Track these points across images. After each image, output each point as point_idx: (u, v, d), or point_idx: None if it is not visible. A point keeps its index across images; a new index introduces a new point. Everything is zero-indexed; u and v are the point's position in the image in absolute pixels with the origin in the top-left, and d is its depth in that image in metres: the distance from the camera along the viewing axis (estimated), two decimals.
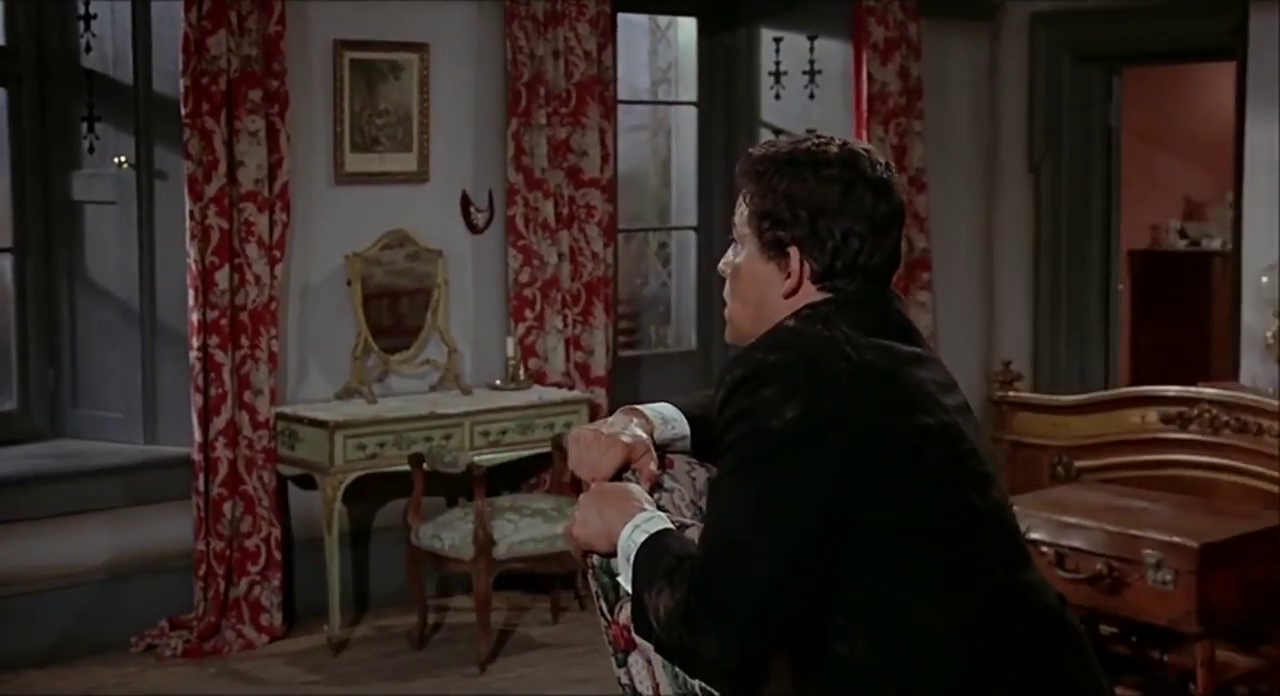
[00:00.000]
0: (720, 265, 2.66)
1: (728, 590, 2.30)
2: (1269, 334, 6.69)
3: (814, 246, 2.50)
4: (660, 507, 2.53)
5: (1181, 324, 9.78)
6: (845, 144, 2.54)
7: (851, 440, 2.33)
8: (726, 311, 2.63)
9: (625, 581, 2.47)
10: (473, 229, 6.77)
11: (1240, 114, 7.31)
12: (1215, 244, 10.04)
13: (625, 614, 2.49)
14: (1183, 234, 10.30)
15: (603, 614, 2.54)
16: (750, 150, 2.60)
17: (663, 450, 2.62)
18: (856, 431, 2.34)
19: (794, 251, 2.51)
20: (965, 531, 2.41)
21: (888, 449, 2.35)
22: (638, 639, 2.49)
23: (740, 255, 2.58)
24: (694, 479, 2.60)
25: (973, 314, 8.39)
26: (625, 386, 7.34)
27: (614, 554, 2.49)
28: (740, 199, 2.58)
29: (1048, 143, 8.33)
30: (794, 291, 2.53)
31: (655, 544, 2.43)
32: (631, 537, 2.46)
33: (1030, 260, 8.45)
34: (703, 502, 2.58)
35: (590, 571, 2.55)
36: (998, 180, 8.45)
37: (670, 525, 2.47)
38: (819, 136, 2.57)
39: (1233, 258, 7.66)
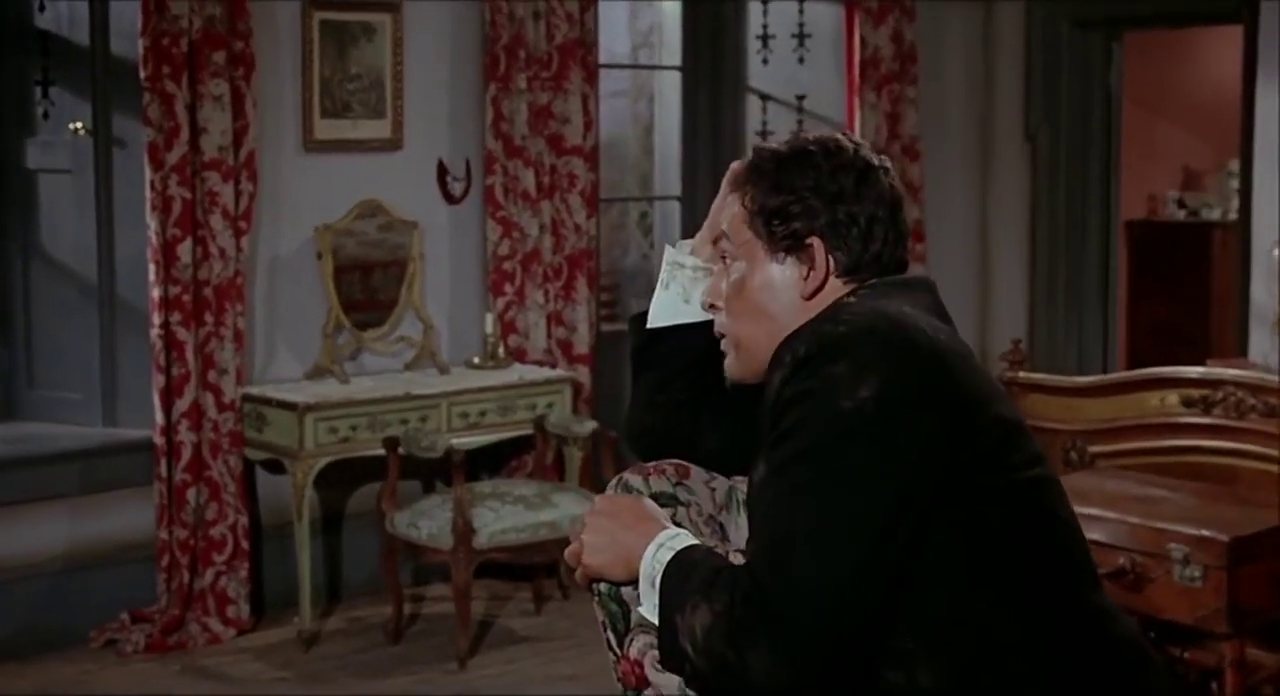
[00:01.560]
0: (706, 299, 2.38)
1: (786, 594, 1.99)
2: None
3: (837, 236, 2.27)
4: (676, 524, 2.23)
5: (1180, 298, 9.52)
6: (835, 134, 2.36)
7: (936, 423, 2.06)
8: (730, 343, 2.35)
9: (649, 611, 2.17)
10: (449, 199, 6.53)
11: (1248, 80, 7.08)
12: (1215, 214, 9.80)
13: (637, 647, 2.18)
14: (1181, 204, 10.05)
15: (611, 648, 2.22)
16: (736, 162, 2.39)
17: None
18: (941, 414, 2.06)
19: (816, 243, 2.27)
20: (1049, 540, 2.13)
21: (974, 437, 2.08)
22: (652, 676, 2.17)
23: (737, 271, 2.32)
24: (713, 491, 2.30)
25: (968, 287, 8.14)
26: (608, 364, 7.07)
27: (631, 581, 2.19)
28: (727, 213, 2.34)
29: (1045, 110, 8.13)
30: (818, 289, 2.27)
31: (684, 560, 2.14)
32: (656, 558, 2.16)
33: (1026, 231, 8.24)
34: (723, 517, 2.29)
35: (596, 599, 2.24)
36: (993, 148, 8.24)
37: (698, 541, 2.18)
38: (803, 133, 2.38)
39: (1239, 229, 7.45)
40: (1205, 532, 4.33)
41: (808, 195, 2.27)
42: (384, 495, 5.79)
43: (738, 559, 2.13)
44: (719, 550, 2.18)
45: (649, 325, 2.51)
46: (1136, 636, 2.19)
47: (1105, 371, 8.09)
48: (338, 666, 5.61)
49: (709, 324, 2.39)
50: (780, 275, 2.28)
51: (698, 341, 2.43)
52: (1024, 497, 2.12)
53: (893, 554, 2.02)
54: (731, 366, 2.35)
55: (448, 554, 5.55)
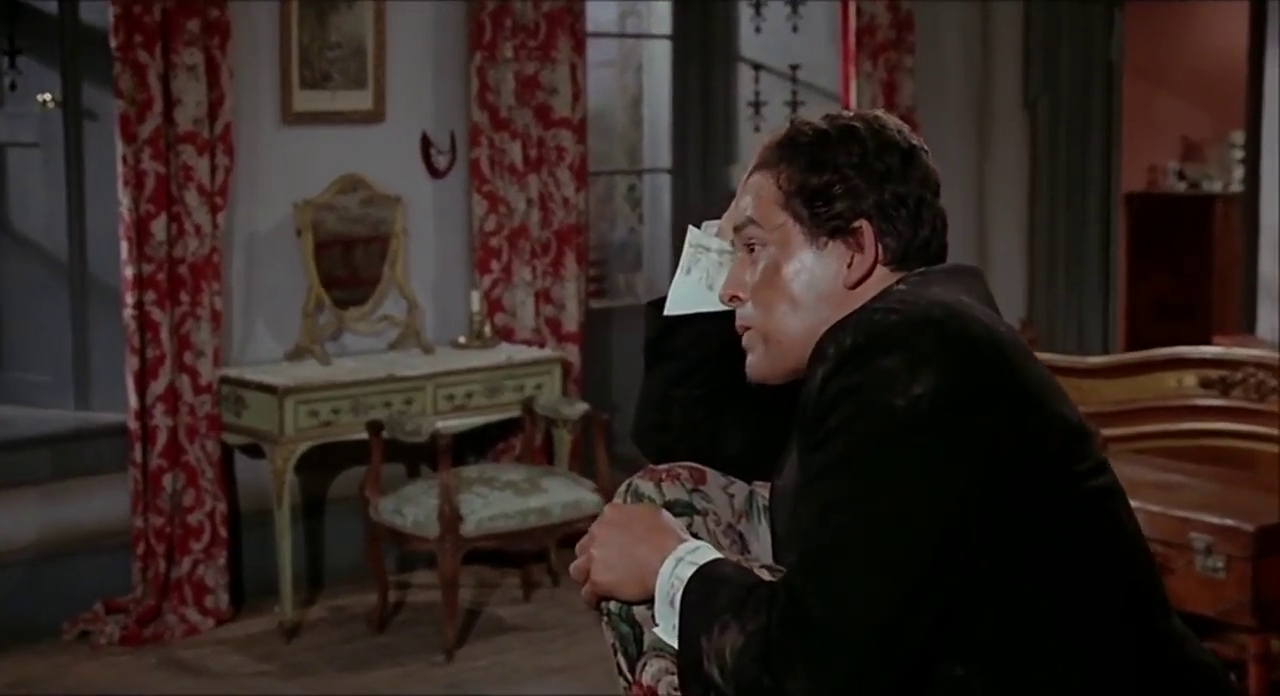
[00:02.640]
0: (727, 292, 2.16)
1: (829, 615, 1.78)
2: None
3: (886, 219, 2.07)
4: (692, 535, 2.02)
5: (1181, 272, 9.34)
6: (874, 111, 2.17)
7: (998, 424, 1.85)
8: (756, 338, 2.13)
9: (666, 633, 1.96)
10: (433, 173, 6.35)
11: (1255, 50, 6.90)
12: (1216, 186, 9.62)
13: (650, 672, 1.96)
14: (1181, 175, 9.86)
15: (622, 673, 2.00)
16: (775, 134, 2.17)
17: None
18: (1003, 414, 1.85)
19: (865, 226, 2.06)
20: (1118, 558, 1.93)
21: (1038, 441, 1.88)
22: None
23: (766, 258, 2.11)
24: (732, 497, 2.10)
25: (965, 261, 7.96)
26: (597, 343, 6.88)
27: (645, 600, 1.99)
28: (750, 196, 2.13)
29: (1045, 79, 7.94)
30: (864, 278, 2.06)
31: (709, 576, 1.92)
32: (675, 574, 1.95)
33: (1025, 204, 8.08)
34: (743, 527, 2.08)
35: (605, 619, 2.03)
36: (991, 118, 8.05)
37: (720, 554, 1.98)
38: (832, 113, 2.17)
39: (1243, 202, 7.27)
40: (1229, 522, 4.17)
41: (852, 174, 2.06)
42: (367, 481, 5.61)
43: (765, 575, 1.92)
44: (744, 564, 1.97)
45: (667, 312, 2.29)
46: (1211, 662, 1.99)
47: (1106, 348, 7.93)
48: (320, 658, 5.43)
49: (734, 312, 2.18)
50: (819, 262, 2.08)
51: (721, 331, 2.21)
52: (1091, 509, 1.93)
53: (948, 571, 1.82)
54: (758, 364, 2.14)
55: (434, 542, 5.37)
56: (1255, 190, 6.88)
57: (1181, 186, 9.86)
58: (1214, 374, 4.78)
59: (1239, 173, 9.01)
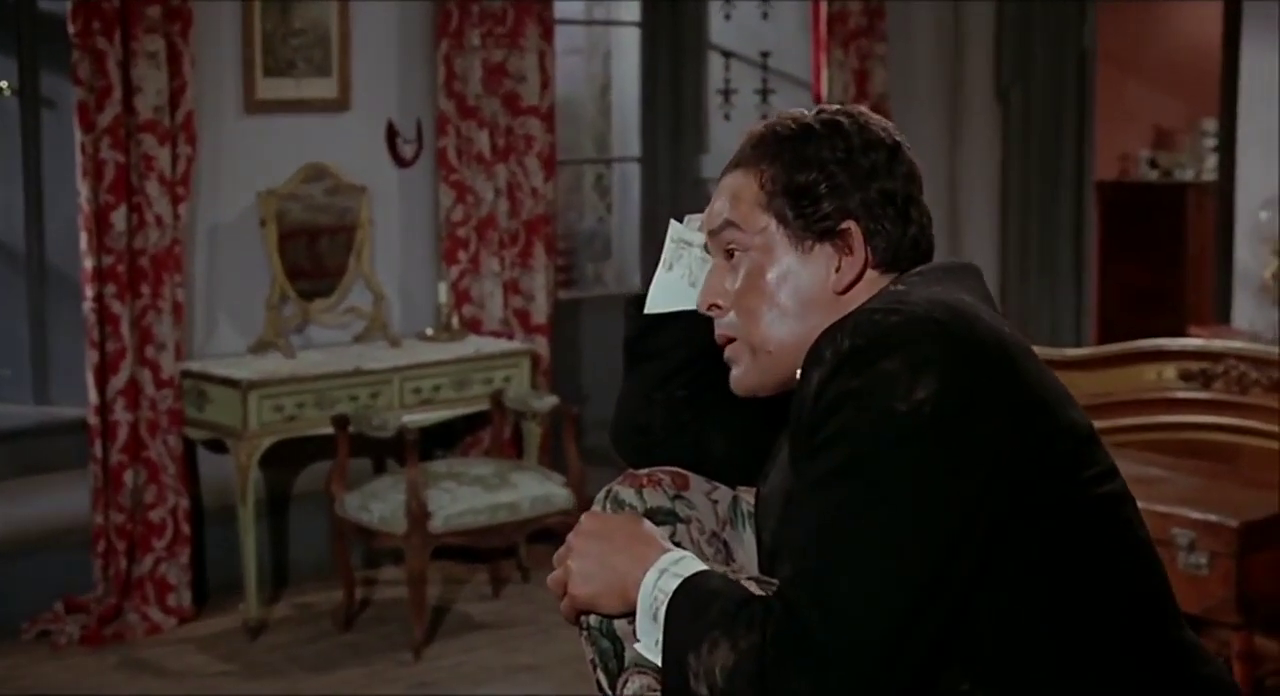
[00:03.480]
0: (706, 301, 2.06)
1: (828, 630, 1.69)
2: (1268, 274, 6.21)
3: (873, 218, 1.97)
4: (675, 544, 1.93)
5: (1153, 262, 9.28)
6: (856, 106, 2.07)
7: (1004, 429, 1.76)
8: (742, 349, 2.03)
9: (649, 649, 1.86)
10: (399, 162, 6.27)
11: (1230, 37, 6.84)
12: (1188, 174, 9.56)
13: (632, 689, 1.87)
14: (1153, 164, 9.80)
15: (601, 690, 1.90)
16: (753, 130, 2.06)
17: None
18: (1010, 418, 1.77)
19: (853, 227, 1.96)
20: (1131, 567, 1.86)
21: (1046, 445, 1.79)
22: None
23: (747, 263, 2.00)
24: (715, 503, 2.00)
25: (936, 252, 7.88)
26: (566, 334, 6.80)
27: (627, 613, 1.89)
28: (731, 193, 2.02)
29: (1017, 67, 7.85)
30: (854, 281, 1.97)
31: (695, 589, 1.83)
32: (659, 586, 1.85)
33: (997, 193, 8.00)
34: (727, 535, 1.98)
35: (584, 634, 1.93)
36: (964, 107, 7.97)
37: (705, 565, 1.88)
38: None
39: (1218, 191, 7.21)
40: (1213, 517, 4.09)
41: (837, 171, 1.97)
42: (333, 476, 5.52)
43: (753, 587, 1.83)
44: (731, 575, 1.87)
45: (648, 310, 2.18)
46: (1225, 677, 1.91)
47: (1079, 338, 7.87)
48: (285, 657, 5.33)
49: None
50: (805, 266, 1.98)
51: (705, 330, 2.10)
52: (1101, 517, 1.84)
53: (953, 583, 1.73)
54: (745, 377, 2.04)
55: (401, 538, 5.28)
56: (1231, 179, 6.82)
57: (1153, 175, 9.79)
58: (1194, 366, 4.71)
59: (1211, 161, 8.96)
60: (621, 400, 2.21)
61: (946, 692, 1.76)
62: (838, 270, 1.97)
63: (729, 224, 2.01)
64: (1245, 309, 6.46)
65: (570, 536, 1.95)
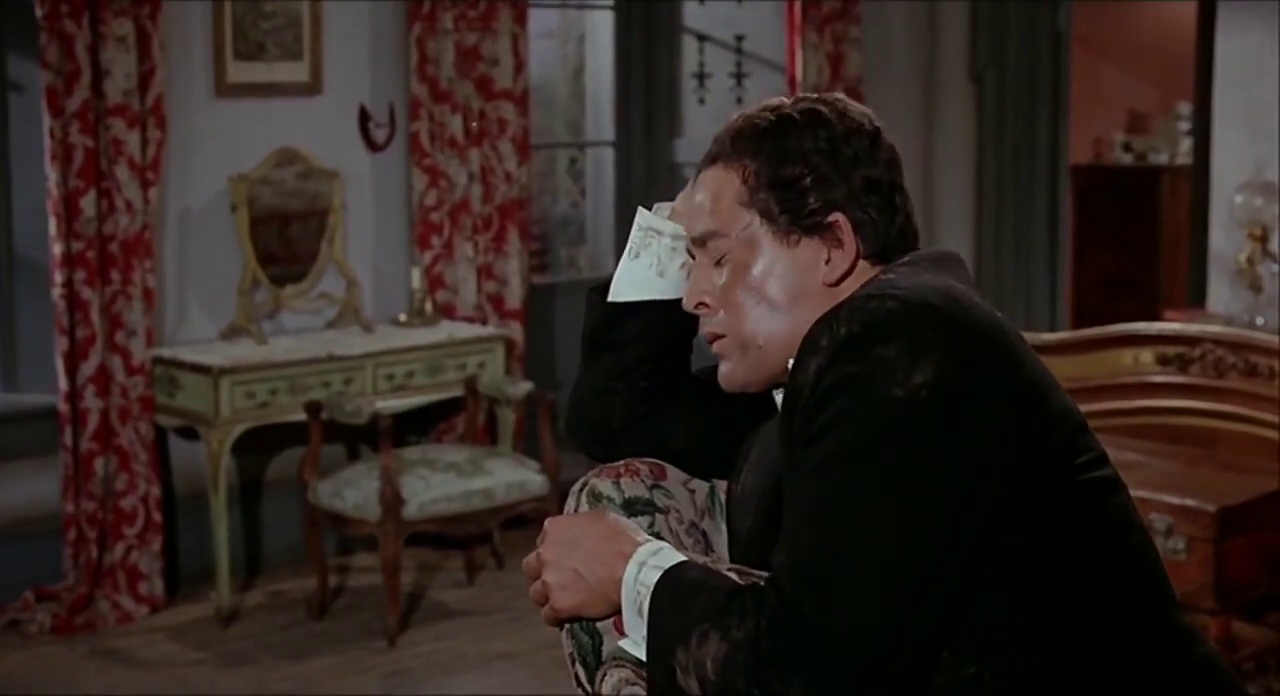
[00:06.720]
0: (692, 300, 2.02)
1: (826, 619, 1.66)
2: (1243, 257, 6.19)
3: (860, 208, 1.94)
4: (654, 535, 1.90)
5: (1128, 246, 9.27)
6: (834, 94, 2.04)
7: (1002, 414, 1.74)
8: (733, 345, 2.00)
9: (635, 647, 1.83)
10: (372, 146, 6.22)
11: (1205, 20, 6.81)
12: (1162, 158, 9.55)
13: (610, 683, 1.83)
14: (1127, 148, 9.78)
15: (579, 683, 1.87)
16: (731, 124, 2.02)
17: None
18: (1008, 404, 1.75)
19: (841, 219, 1.93)
20: (1127, 551, 1.85)
21: (1044, 431, 1.78)
22: None
23: (731, 260, 1.97)
24: (693, 493, 1.97)
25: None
26: (540, 319, 6.76)
27: (615, 614, 1.86)
28: (710, 190, 1.99)
29: (992, 51, 7.81)
30: (846, 275, 1.94)
31: (677, 580, 1.80)
32: (640, 580, 1.82)
33: (972, 177, 7.96)
34: (705, 524, 1.95)
35: (564, 629, 1.89)
36: (939, 90, 7.93)
37: (684, 556, 1.85)
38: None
39: (1193, 174, 7.19)
40: (1190, 502, 4.09)
41: (820, 162, 1.93)
42: (306, 463, 5.48)
43: (734, 577, 1.80)
44: (711, 565, 1.84)
45: (611, 298, 2.13)
46: (1217, 659, 1.90)
47: (1054, 323, 7.86)
48: (258, 645, 5.30)
49: (682, 300, 2.04)
50: (793, 261, 1.95)
51: (670, 322, 2.07)
52: (1096, 502, 1.83)
53: (952, 569, 1.71)
54: (733, 373, 2.00)
55: (375, 525, 5.25)
56: (1205, 162, 6.79)
57: (1128, 159, 9.78)
58: (1171, 351, 4.70)
59: (1185, 144, 8.95)
60: (578, 391, 2.16)
61: (951, 675, 1.75)
62: (828, 262, 1.94)
63: (713, 234, 1.98)
64: (1220, 293, 6.43)
65: (540, 547, 1.91)
